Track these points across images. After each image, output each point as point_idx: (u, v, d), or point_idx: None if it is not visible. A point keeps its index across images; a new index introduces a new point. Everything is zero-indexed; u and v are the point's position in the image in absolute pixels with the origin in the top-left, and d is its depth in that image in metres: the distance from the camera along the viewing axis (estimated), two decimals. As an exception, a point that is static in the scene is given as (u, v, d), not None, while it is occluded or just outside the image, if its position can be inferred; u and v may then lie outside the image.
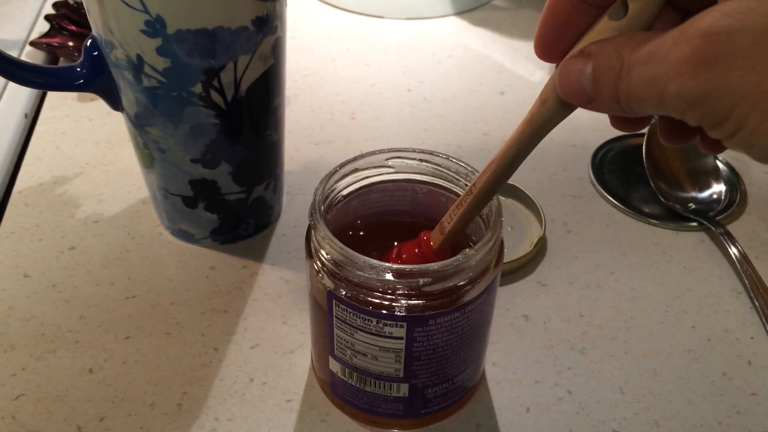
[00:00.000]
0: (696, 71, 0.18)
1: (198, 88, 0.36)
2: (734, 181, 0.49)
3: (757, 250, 0.44)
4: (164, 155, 0.39)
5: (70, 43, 0.58)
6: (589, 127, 0.55)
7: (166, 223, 0.44)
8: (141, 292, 0.41)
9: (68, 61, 0.58)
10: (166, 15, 0.33)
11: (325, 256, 0.30)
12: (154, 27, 0.33)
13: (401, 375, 0.31)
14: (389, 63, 0.62)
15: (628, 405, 0.36)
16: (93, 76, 0.38)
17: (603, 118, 0.56)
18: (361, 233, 0.36)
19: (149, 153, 0.40)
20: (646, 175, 0.48)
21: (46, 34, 0.59)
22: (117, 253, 0.43)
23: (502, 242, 0.32)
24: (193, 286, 0.41)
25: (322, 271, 0.30)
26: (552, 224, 0.46)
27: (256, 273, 0.42)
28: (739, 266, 0.42)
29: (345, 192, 0.34)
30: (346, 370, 0.32)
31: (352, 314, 0.30)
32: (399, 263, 0.32)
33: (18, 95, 0.55)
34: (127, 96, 0.37)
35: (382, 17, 0.68)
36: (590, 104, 0.23)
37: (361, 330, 0.30)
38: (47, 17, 0.59)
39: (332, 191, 0.33)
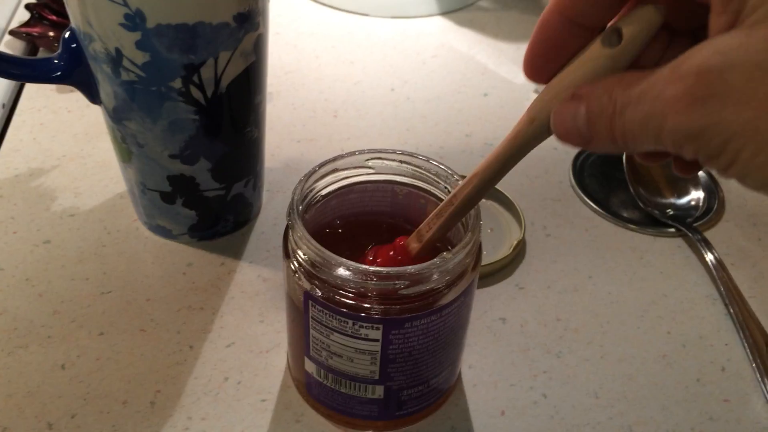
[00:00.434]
0: (690, 108, 0.19)
1: (177, 84, 0.35)
2: (712, 188, 0.50)
3: (733, 257, 0.45)
4: (142, 150, 0.39)
5: (51, 33, 0.57)
6: (570, 131, 0.55)
7: (144, 218, 0.44)
8: (116, 287, 0.41)
9: (48, 51, 0.57)
10: (146, 9, 0.33)
11: (302, 256, 0.30)
12: (134, 21, 0.33)
13: (376, 377, 0.31)
14: (373, 62, 0.62)
15: (602, 409, 0.36)
16: (71, 69, 0.37)
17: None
18: (340, 234, 0.36)
19: (127, 147, 0.39)
20: (626, 181, 0.48)
21: (26, 24, 0.58)
22: (93, 247, 0.43)
23: (480, 246, 0.32)
24: (169, 283, 0.41)
25: (298, 272, 0.30)
26: (531, 227, 0.46)
27: (233, 270, 0.42)
28: (715, 273, 0.43)
29: (324, 192, 0.34)
30: (322, 371, 0.32)
31: (328, 315, 0.30)
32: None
33: (-5, 85, 0.54)
34: (105, 89, 0.37)
35: (367, 15, 0.68)
36: (587, 145, 0.23)
37: (336, 331, 0.30)
38: (28, 6, 0.58)
39: (311, 191, 0.33)
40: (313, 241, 0.29)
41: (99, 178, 0.48)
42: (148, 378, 0.36)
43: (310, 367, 0.33)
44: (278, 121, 0.54)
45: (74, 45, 0.37)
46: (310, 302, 0.30)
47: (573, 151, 0.52)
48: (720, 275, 0.42)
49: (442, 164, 0.33)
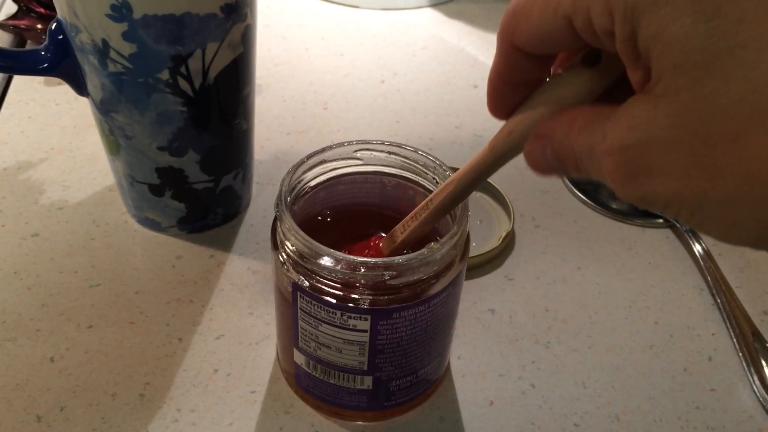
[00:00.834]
0: (626, 183, 0.20)
1: (165, 75, 0.35)
2: (701, 179, 0.50)
3: (720, 247, 0.45)
4: (130, 142, 0.39)
5: (39, 26, 0.57)
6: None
7: (133, 211, 0.44)
8: (105, 280, 0.40)
9: (36, 43, 0.57)
10: None
11: (290, 247, 0.30)
12: (120, 11, 0.33)
13: (365, 367, 0.31)
14: (363, 53, 0.62)
15: (589, 399, 0.36)
16: (57, 60, 0.37)
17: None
18: (329, 225, 0.36)
19: (115, 140, 0.39)
20: (614, 172, 0.48)
21: (14, 16, 0.57)
22: (81, 240, 0.43)
23: (468, 236, 0.32)
24: (158, 275, 0.41)
25: (287, 263, 0.30)
26: (521, 219, 0.46)
27: (223, 263, 0.42)
28: (702, 263, 0.43)
29: (312, 183, 0.34)
30: (311, 362, 0.32)
31: (316, 306, 0.30)
32: None
33: (-18, 77, 0.54)
34: (92, 81, 0.37)
35: (357, 7, 0.68)
36: (567, 175, 0.23)
37: (325, 322, 0.30)
38: (15, -2, 0.58)
39: (299, 182, 0.33)
40: (301, 232, 0.29)
41: (87, 171, 0.47)
42: (137, 370, 0.36)
43: (299, 358, 0.33)
44: (268, 114, 0.54)
45: (61, 36, 0.36)
46: (299, 293, 0.30)
47: (562, 143, 0.52)
48: (707, 266, 0.43)
49: (431, 155, 0.33)
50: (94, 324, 0.38)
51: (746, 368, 0.38)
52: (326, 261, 0.29)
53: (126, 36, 0.34)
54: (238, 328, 0.39)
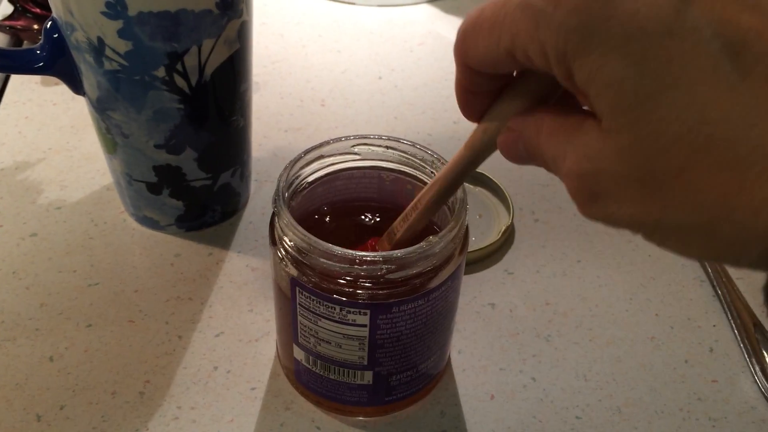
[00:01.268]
0: (584, 205, 0.20)
1: (161, 72, 0.35)
2: (700, 171, 0.50)
3: (720, 239, 0.45)
4: (127, 140, 0.38)
5: (35, 26, 0.57)
6: (558, 117, 0.55)
7: (131, 209, 0.43)
8: (104, 279, 0.40)
9: (32, 44, 0.57)
10: (127, -4, 0.32)
11: (289, 243, 0.30)
12: (115, 9, 0.33)
13: (365, 362, 0.31)
14: (360, 50, 0.62)
15: (591, 392, 0.36)
16: (53, 59, 0.37)
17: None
18: (328, 220, 0.36)
19: (112, 138, 0.39)
20: (613, 165, 0.48)
21: (10, 17, 0.57)
22: (80, 239, 0.43)
23: (466, 230, 0.32)
24: (157, 274, 0.41)
25: (285, 259, 0.30)
26: (520, 213, 0.46)
27: (222, 260, 0.42)
28: (702, 255, 0.43)
29: (310, 179, 0.34)
30: (310, 357, 0.32)
31: (315, 302, 0.30)
32: None
33: (-21, 78, 0.54)
34: (88, 79, 0.37)
35: (354, 4, 0.68)
36: (538, 166, 0.24)
37: (324, 317, 0.30)
38: (11, -1, 0.57)
39: (297, 178, 0.33)
40: (299, 227, 0.29)
41: (85, 171, 0.47)
42: (136, 369, 0.36)
43: (298, 354, 0.33)
44: (265, 111, 0.54)
45: (56, 35, 0.36)
46: (297, 289, 0.30)
47: (561, 137, 0.52)
48: (707, 257, 0.43)
49: (428, 149, 0.33)
50: (93, 323, 0.38)
51: (748, 359, 0.38)
52: (324, 256, 0.28)
53: (121, 33, 0.34)
54: (237, 325, 0.38)
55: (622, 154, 0.18)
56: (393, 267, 0.28)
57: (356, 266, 0.28)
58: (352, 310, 0.29)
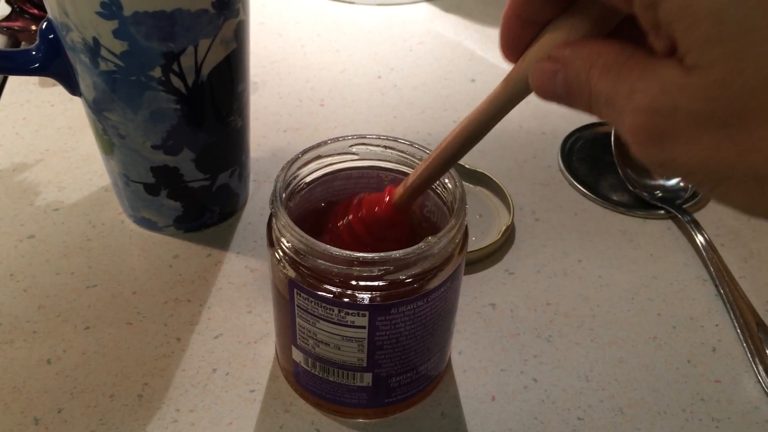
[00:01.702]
0: (646, 144, 0.19)
1: (157, 73, 0.35)
2: (702, 169, 0.49)
3: (723, 238, 0.45)
4: (124, 141, 0.38)
5: (32, 27, 0.57)
6: (558, 115, 0.54)
7: (129, 210, 0.43)
8: (102, 281, 0.40)
9: (30, 45, 0.57)
10: (122, -4, 0.32)
11: (286, 244, 0.29)
12: (110, 9, 0.32)
13: (364, 364, 0.31)
14: (359, 49, 0.61)
15: (593, 393, 0.36)
16: (49, 60, 0.37)
17: (571, 106, 0.56)
18: (326, 221, 0.35)
19: (109, 139, 0.39)
20: (614, 164, 0.48)
21: (7, 18, 0.57)
22: (77, 241, 0.42)
23: (466, 230, 0.31)
24: (155, 275, 0.41)
25: (283, 260, 0.30)
26: (520, 212, 0.46)
27: (220, 262, 0.42)
28: (705, 254, 0.43)
29: (308, 179, 0.33)
30: (309, 359, 0.32)
31: (313, 303, 0.29)
32: (356, 217, 0.31)
33: (-23, 80, 0.54)
34: (84, 80, 0.36)
35: (352, 3, 0.67)
36: (570, 106, 0.22)
37: (322, 319, 0.30)
38: (9, 0, 0.57)
39: (294, 178, 0.32)
40: (297, 229, 0.29)
41: (83, 172, 0.47)
42: (135, 371, 0.36)
43: (297, 356, 0.33)
44: (264, 111, 0.53)
45: (52, 36, 0.36)
46: (295, 290, 0.30)
47: (561, 135, 0.52)
48: (710, 256, 0.42)
49: (427, 149, 0.33)
50: (91, 325, 0.38)
51: (751, 359, 0.37)
52: (322, 257, 0.28)
53: (117, 34, 0.33)
54: (236, 326, 0.38)
55: (708, 90, 0.17)
56: (392, 268, 0.28)
57: (354, 267, 0.28)
58: (350, 311, 0.29)
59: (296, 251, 0.29)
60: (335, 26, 0.64)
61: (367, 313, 0.29)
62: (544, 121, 0.54)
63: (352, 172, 0.35)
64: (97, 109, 0.37)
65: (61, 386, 0.35)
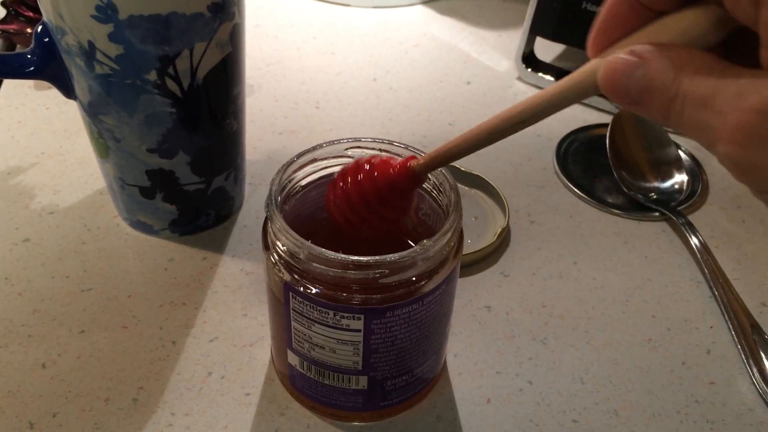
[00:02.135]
0: (746, 143, 0.19)
1: (153, 76, 0.35)
2: (696, 171, 0.50)
3: (717, 240, 0.45)
4: (119, 145, 0.38)
5: (28, 30, 0.57)
6: (553, 118, 0.54)
7: (124, 214, 0.43)
8: (97, 284, 0.40)
9: (25, 48, 0.57)
10: (118, 0, 0.32)
11: (282, 248, 0.29)
12: (106, 12, 0.32)
13: (360, 367, 0.31)
14: (355, 52, 0.61)
15: (588, 395, 0.36)
16: (44, 63, 0.36)
17: (567, 109, 0.57)
18: (322, 224, 0.35)
19: (104, 142, 0.39)
20: (609, 166, 0.48)
21: (3, 21, 0.57)
22: (73, 245, 0.42)
23: (461, 233, 0.32)
24: (151, 279, 0.41)
25: (278, 264, 0.30)
26: (516, 215, 0.46)
27: (216, 265, 0.42)
28: (699, 256, 0.43)
29: (304, 182, 0.33)
30: (305, 363, 0.32)
31: (308, 307, 0.29)
32: (366, 174, 0.30)
33: (-29, 83, 0.53)
34: (79, 84, 0.36)
35: (348, 5, 0.67)
36: (631, 108, 0.22)
37: (318, 323, 0.30)
38: (4, 3, 0.57)
39: (290, 182, 0.32)
40: (292, 232, 0.29)
41: (78, 175, 0.47)
42: (130, 375, 0.36)
43: (293, 359, 0.33)
44: (260, 114, 0.53)
45: (47, 39, 0.36)
46: (291, 294, 0.30)
47: (557, 138, 0.52)
48: (704, 258, 0.42)
49: (421, 151, 0.33)
50: (86, 329, 0.38)
51: (745, 361, 0.37)
52: (317, 260, 0.28)
53: (112, 37, 0.33)
54: (231, 330, 0.38)
55: None
56: (387, 271, 0.28)
57: (350, 271, 0.28)
58: (345, 315, 0.29)
59: (291, 254, 0.29)
60: (331, 29, 0.64)
61: (362, 316, 0.29)
62: (539, 123, 0.54)
63: (348, 175, 0.34)
64: (93, 113, 0.37)
65: (55, 390, 0.35)
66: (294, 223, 0.30)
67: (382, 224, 0.30)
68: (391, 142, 0.33)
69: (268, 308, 0.33)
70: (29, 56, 0.36)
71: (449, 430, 0.34)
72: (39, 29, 0.36)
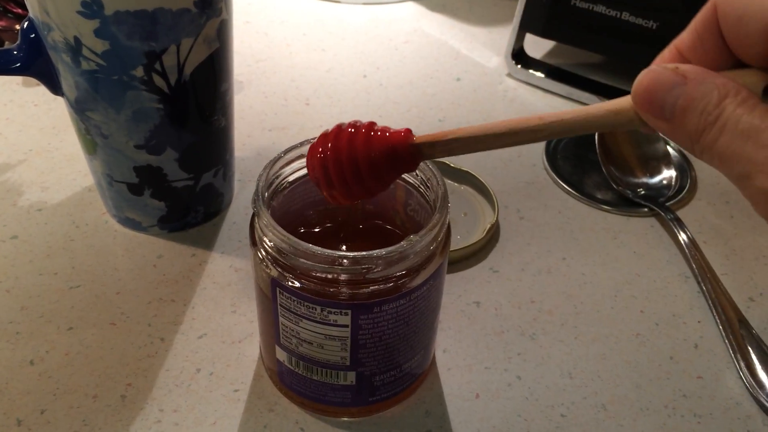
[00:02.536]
0: None
1: (139, 72, 0.35)
2: (685, 167, 0.50)
3: (705, 235, 0.45)
4: (107, 141, 0.38)
5: (16, 27, 0.56)
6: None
7: (113, 210, 0.43)
8: (85, 281, 0.40)
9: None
10: (103, -5, 0.32)
11: (269, 244, 0.29)
12: (91, 8, 0.32)
13: (348, 363, 0.31)
14: (345, 48, 0.61)
15: (576, 389, 0.36)
16: (30, 60, 0.36)
17: (557, 105, 0.57)
18: (310, 221, 0.35)
19: (91, 139, 0.38)
20: (598, 162, 0.48)
21: (-10, 17, 0.57)
22: (61, 242, 0.42)
23: (448, 228, 0.32)
24: (139, 275, 0.41)
25: (266, 260, 0.30)
26: (505, 211, 0.46)
27: (205, 261, 0.42)
28: (687, 251, 0.43)
29: (291, 178, 0.33)
30: (293, 358, 0.32)
31: (296, 302, 0.29)
32: (361, 134, 0.29)
33: (-41, 80, 0.53)
34: (66, 80, 0.36)
35: (338, 2, 0.67)
36: (659, 125, 0.21)
37: (305, 318, 0.30)
38: (-9, -1, 0.57)
39: (277, 178, 0.32)
40: (279, 228, 0.29)
41: (67, 172, 0.47)
42: (118, 372, 0.36)
43: (281, 355, 0.33)
44: (249, 110, 0.53)
45: (33, 35, 0.36)
46: (278, 290, 0.30)
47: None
48: (692, 253, 0.43)
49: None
50: (74, 326, 0.38)
51: (733, 355, 0.38)
52: (304, 256, 0.28)
53: (98, 33, 0.33)
54: (220, 326, 0.38)
55: None
56: (374, 266, 0.28)
57: (336, 266, 0.28)
58: (333, 310, 0.29)
59: (279, 250, 0.29)
60: (321, 25, 0.64)
61: (349, 311, 0.29)
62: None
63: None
64: (80, 109, 0.37)
65: (43, 387, 0.35)
66: (282, 219, 0.30)
67: (359, 191, 0.28)
68: (378, 138, 0.33)
69: (257, 304, 0.33)
70: (15, 52, 0.36)
71: (438, 425, 0.34)
72: (25, 25, 0.36)
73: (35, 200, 0.45)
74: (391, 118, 0.53)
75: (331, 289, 0.29)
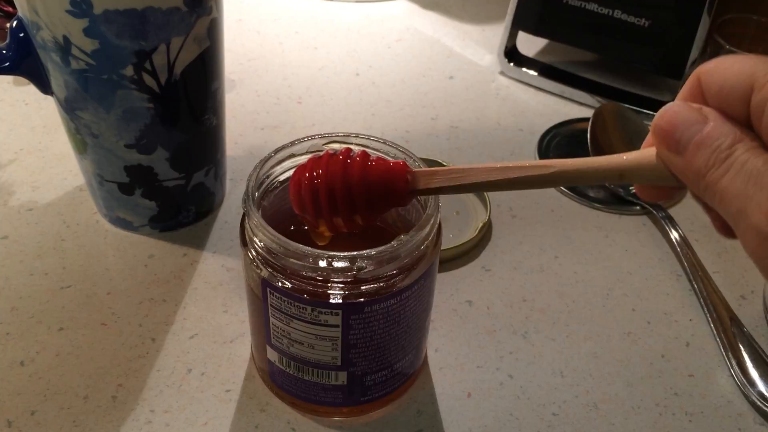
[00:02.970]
0: None
1: (129, 71, 0.35)
2: (677, 165, 0.50)
3: (697, 233, 0.45)
4: (97, 140, 0.38)
5: (8, 25, 0.56)
6: (535, 112, 0.55)
7: (103, 210, 0.43)
8: (76, 281, 0.40)
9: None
10: (92, -6, 0.32)
11: (259, 244, 0.29)
12: (81, 7, 0.32)
13: (339, 363, 0.31)
14: (338, 47, 0.61)
15: (567, 388, 0.36)
16: (20, 59, 0.36)
17: (549, 103, 0.56)
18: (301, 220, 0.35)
19: (82, 138, 0.38)
20: (590, 160, 0.48)
21: (-20, 15, 0.56)
22: (52, 242, 0.42)
23: (439, 228, 0.32)
24: (130, 275, 0.40)
25: (256, 260, 0.30)
26: (497, 209, 0.46)
27: (196, 261, 0.42)
28: (679, 249, 0.43)
29: (282, 178, 0.33)
30: (284, 359, 0.32)
31: (286, 303, 0.29)
32: (356, 163, 0.28)
33: (-51, 78, 0.53)
34: (56, 79, 0.36)
35: (331, 0, 0.67)
36: (670, 156, 0.23)
37: (296, 318, 0.30)
38: (-19, -3, 0.56)
39: (268, 177, 0.32)
40: (269, 228, 0.28)
41: (57, 171, 0.47)
42: (109, 372, 0.36)
43: (272, 355, 0.32)
44: (241, 109, 0.53)
45: (22, 34, 0.36)
46: (269, 290, 0.30)
47: (539, 132, 0.52)
48: (684, 252, 0.43)
49: (400, 147, 0.33)
50: (65, 326, 0.38)
51: (724, 353, 0.38)
52: (295, 256, 0.28)
53: (87, 32, 0.33)
54: (212, 326, 0.38)
55: None
56: (364, 266, 0.28)
57: (327, 266, 0.28)
58: (323, 310, 0.29)
59: (269, 251, 0.29)
60: (313, 23, 0.64)
61: (340, 311, 0.29)
62: (522, 118, 0.54)
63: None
64: (70, 108, 0.37)
65: (34, 388, 0.35)
66: (273, 217, 0.30)
67: (347, 221, 0.28)
68: (368, 137, 0.33)
69: (247, 304, 0.33)
70: (4, 51, 0.36)
71: (430, 425, 0.34)
72: (14, 24, 0.36)
73: (26, 200, 0.45)
74: (384, 116, 0.53)
75: (322, 289, 0.29)
